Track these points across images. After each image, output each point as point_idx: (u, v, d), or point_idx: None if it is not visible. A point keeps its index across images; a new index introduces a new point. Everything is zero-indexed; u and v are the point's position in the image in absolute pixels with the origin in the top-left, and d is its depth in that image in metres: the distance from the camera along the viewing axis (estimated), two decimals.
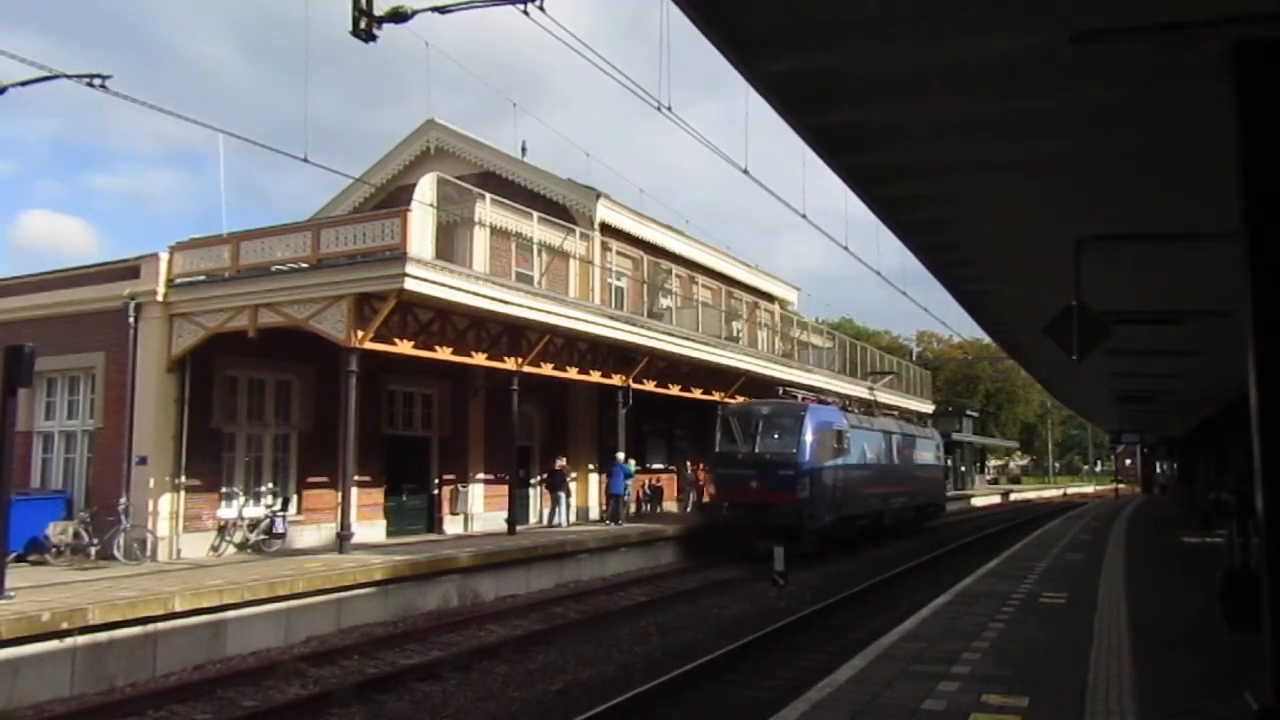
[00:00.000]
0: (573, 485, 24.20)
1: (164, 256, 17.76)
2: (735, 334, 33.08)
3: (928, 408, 50.75)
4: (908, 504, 29.67)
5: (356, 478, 17.31)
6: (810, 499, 21.49)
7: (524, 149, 27.85)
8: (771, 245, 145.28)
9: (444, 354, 18.27)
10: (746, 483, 21.95)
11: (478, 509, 22.74)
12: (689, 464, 30.51)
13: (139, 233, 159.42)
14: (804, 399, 24.16)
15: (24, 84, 12.21)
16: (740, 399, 27.50)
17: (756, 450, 22.42)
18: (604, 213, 26.54)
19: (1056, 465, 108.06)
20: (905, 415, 35.16)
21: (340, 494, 17.12)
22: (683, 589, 17.43)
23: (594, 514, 25.81)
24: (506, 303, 18.23)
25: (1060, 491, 77.64)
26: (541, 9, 9.04)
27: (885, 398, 40.38)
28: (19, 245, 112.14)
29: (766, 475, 21.84)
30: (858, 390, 35.14)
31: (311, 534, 18.66)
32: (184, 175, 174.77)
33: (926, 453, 32.60)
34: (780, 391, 24.89)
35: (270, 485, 18.72)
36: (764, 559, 18.03)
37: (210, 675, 10.81)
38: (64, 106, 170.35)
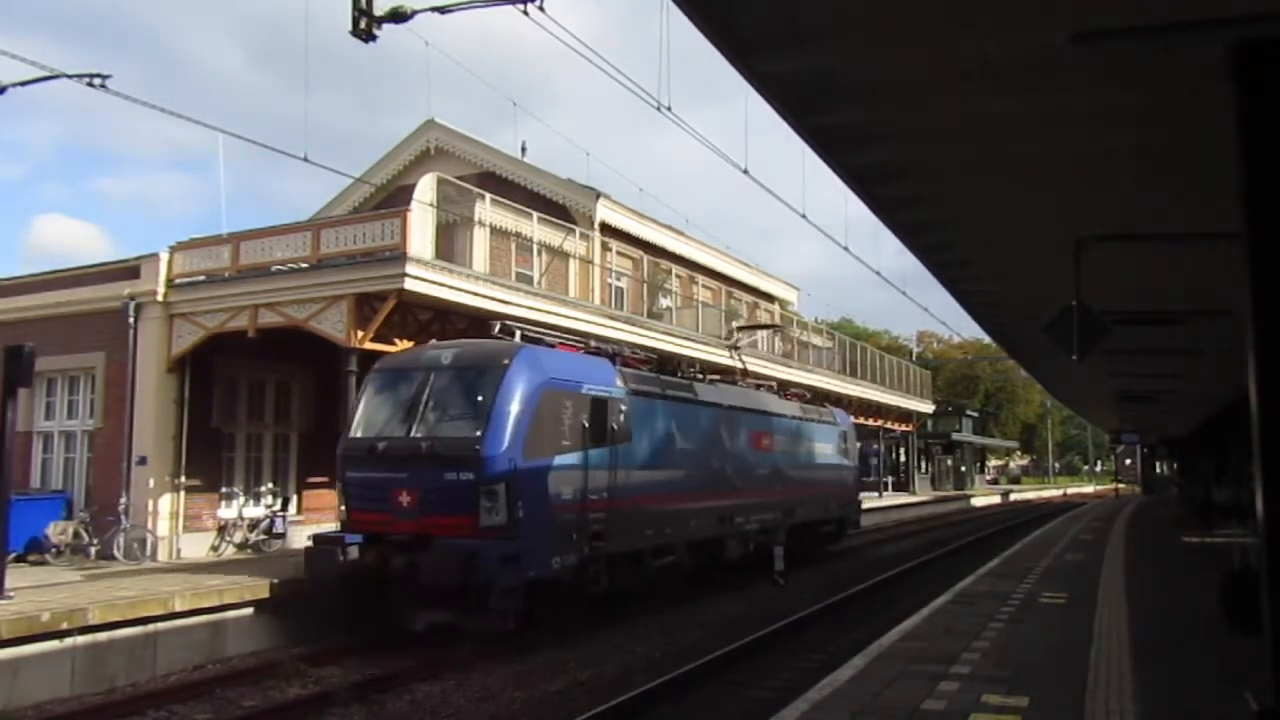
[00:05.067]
0: None
1: (164, 257, 17.77)
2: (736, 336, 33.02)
3: (928, 408, 50.79)
4: (781, 521, 19.04)
5: None
6: (514, 527, 11.33)
7: (524, 149, 27.86)
8: (771, 246, 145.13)
9: None
10: (390, 495, 11.87)
11: None
12: None
13: (146, 235, 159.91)
14: (528, 340, 13.32)
15: (24, 84, 12.22)
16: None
17: (412, 434, 12.01)
18: (604, 213, 26.52)
19: (1056, 465, 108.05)
20: (804, 396, 23.55)
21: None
22: None
23: None
24: (506, 303, 18.23)
25: (1060, 492, 77.66)
26: (541, 9, 9.04)
27: (770, 367, 29.16)
28: (33, 249, 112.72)
29: (425, 481, 11.70)
30: (709, 353, 24.34)
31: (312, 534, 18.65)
32: (190, 178, 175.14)
33: (823, 445, 22.31)
34: (496, 328, 13.35)
35: (270, 485, 18.74)
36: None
37: (211, 675, 10.80)
38: (69, 110, 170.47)
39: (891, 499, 45.29)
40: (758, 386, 20.42)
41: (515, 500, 11.36)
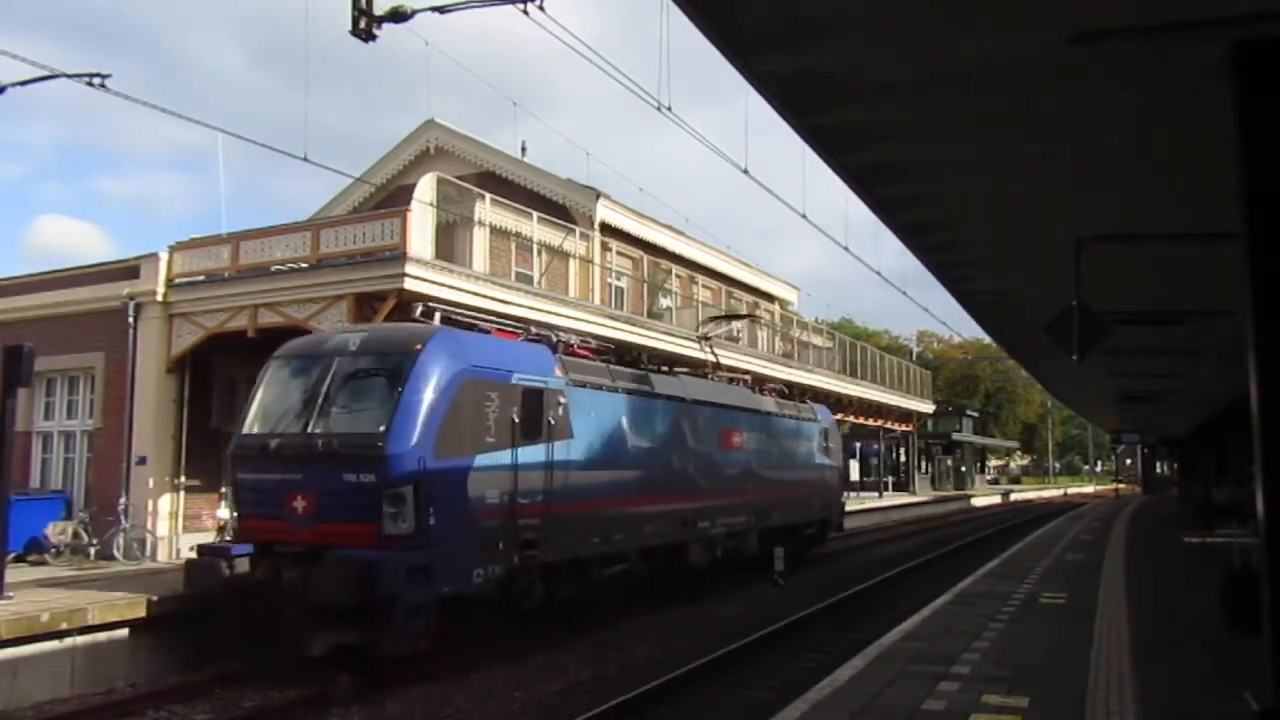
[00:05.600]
0: None
1: (163, 256, 17.78)
2: (735, 334, 33.05)
3: (928, 408, 50.78)
4: (753, 524, 17.62)
5: None
6: (425, 535, 9.98)
7: (524, 149, 27.86)
8: (772, 246, 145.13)
9: None
10: (284, 501, 10.45)
11: None
12: None
13: (146, 235, 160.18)
14: (452, 323, 12.08)
15: (24, 83, 12.23)
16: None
17: (309, 430, 10.57)
18: (604, 213, 26.52)
19: (1056, 465, 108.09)
20: (782, 391, 21.45)
21: None
22: None
23: None
24: (506, 303, 18.22)
25: (1060, 492, 77.68)
26: (541, 8, 9.05)
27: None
28: (33, 249, 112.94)
29: (322, 484, 10.30)
30: (681, 346, 23.02)
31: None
32: (190, 178, 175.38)
33: (802, 443, 20.69)
34: (418, 310, 11.99)
35: None
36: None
37: (211, 674, 10.78)
38: (69, 111, 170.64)
39: (891, 499, 45.31)
40: (732, 381, 19.01)
41: (426, 505, 9.94)
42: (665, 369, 16.36)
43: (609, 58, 10.54)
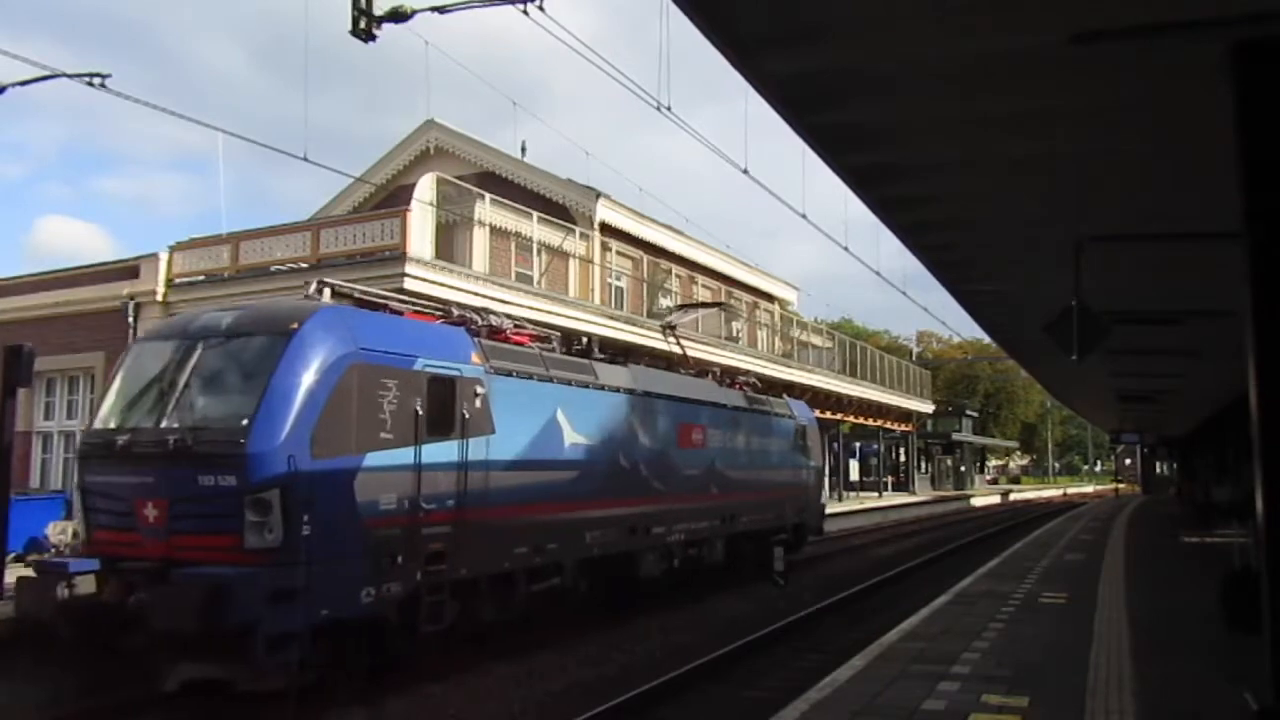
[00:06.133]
0: None
1: (164, 257, 17.79)
2: (735, 334, 33.07)
3: (928, 408, 50.81)
4: (718, 530, 16.10)
5: None
6: (296, 550, 8.36)
7: (524, 149, 27.87)
8: (771, 247, 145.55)
9: None
10: (135, 507, 8.84)
11: None
12: None
13: (147, 235, 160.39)
14: (345, 300, 10.85)
15: (24, 83, 12.23)
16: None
17: (164, 424, 8.99)
18: (604, 213, 26.53)
19: (1056, 465, 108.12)
20: (754, 385, 19.73)
21: None
22: None
23: None
24: (506, 303, 18.22)
25: (1060, 491, 77.67)
26: (541, 9, 9.06)
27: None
28: (34, 249, 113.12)
29: (175, 488, 8.70)
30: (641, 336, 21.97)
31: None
32: (191, 178, 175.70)
33: (776, 441, 18.96)
34: (312, 288, 10.48)
35: None
36: None
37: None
38: (70, 111, 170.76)
39: (891, 499, 45.35)
40: (702, 374, 17.62)
41: (299, 512, 8.31)
42: (622, 359, 14.60)
43: (609, 58, 10.56)
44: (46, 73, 12.04)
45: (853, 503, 40.48)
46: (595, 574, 12.74)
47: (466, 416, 10.24)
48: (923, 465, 61.97)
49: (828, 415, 37.76)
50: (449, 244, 21.30)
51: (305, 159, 12.61)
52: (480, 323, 11.50)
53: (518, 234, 22.42)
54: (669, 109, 10.67)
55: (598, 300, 24.91)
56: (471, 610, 10.51)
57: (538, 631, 11.82)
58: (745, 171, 12.83)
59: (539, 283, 22.36)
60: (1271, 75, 5.09)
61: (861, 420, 42.73)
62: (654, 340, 23.43)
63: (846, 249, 16.84)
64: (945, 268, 11.59)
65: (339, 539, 8.76)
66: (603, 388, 13.00)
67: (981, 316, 15.56)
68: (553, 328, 17.82)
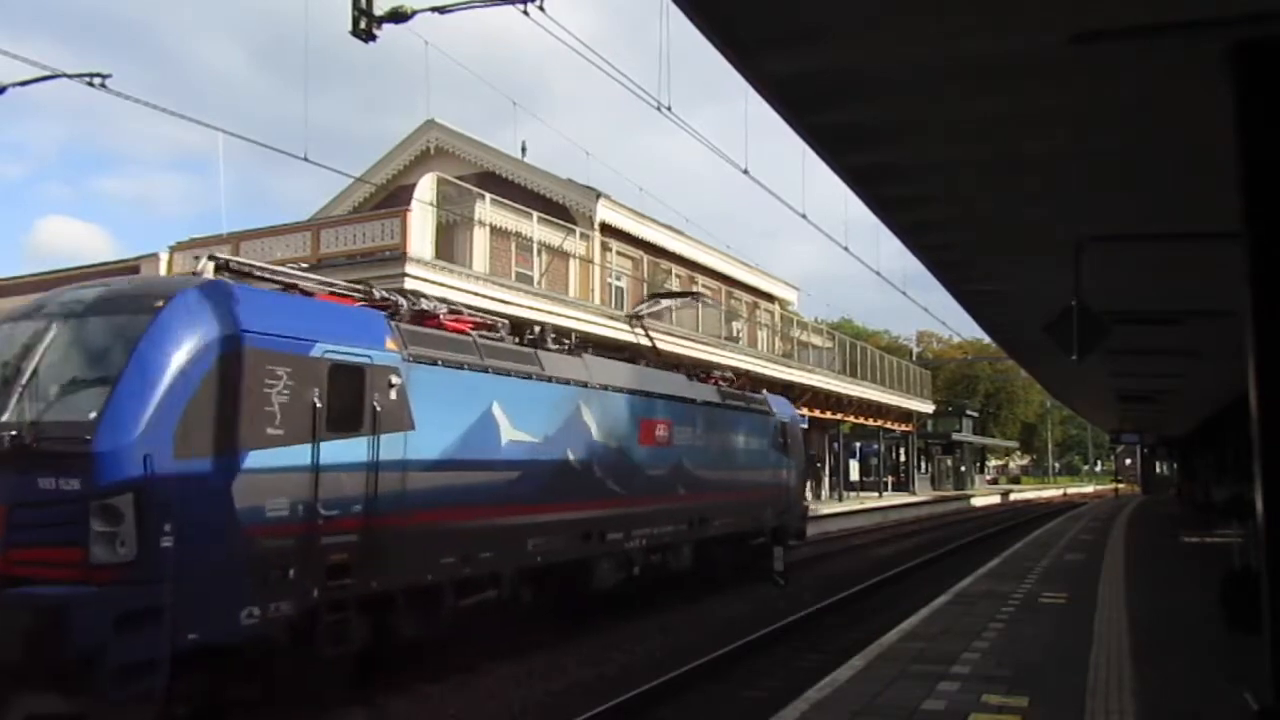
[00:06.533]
0: None
1: (164, 257, 17.83)
2: (735, 334, 33.08)
3: (928, 408, 50.82)
4: (686, 534, 15.05)
5: None
6: (155, 565, 7.12)
7: (524, 149, 27.89)
8: (771, 247, 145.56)
9: None
10: None
11: None
12: None
13: (147, 236, 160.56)
14: (233, 274, 9.19)
15: (24, 83, 12.22)
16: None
17: (4, 417, 7.60)
18: (604, 213, 26.55)
19: (1056, 465, 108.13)
20: (731, 379, 18.77)
21: None
22: None
23: None
24: (506, 303, 18.24)
25: (1060, 491, 77.68)
26: (541, 9, 9.06)
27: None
28: (35, 249, 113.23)
29: (12, 493, 7.40)
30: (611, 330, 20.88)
31: None
32: (191, 178, 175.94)
33: (753, 439, 17.77)
34: (200, 263, 9.14)
35: None
36: None
37: None
38: (70, 111, 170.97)
39: (891, 499, 45.36)
40: (674, 368, 16.53)
41: (157, 521, 7.18)
42: (575, 346, 13.32)
43: (609, 58, 10.57)
44: (47, 73, 12.04)
45: (853, 503, 40.49)
46: (540, 584, 11.63)
47: (378, 410, 9.05)
48: (923, 465, 61.99)
49: (828, 415, 37.78)
50: (449, 244, 21.31)
51: (305, 159, 12.63)
52: (404, 306, 10.31)
53: (518, 234, 22.43)
54: (669, 109, 10.68)
55: (598, 300, 24.91)
56: (388, 628, 9.35)
57: (537, 632, 11.83)
58: (745, 171, 12.85)
59: (539, 283, 22.36)
60: (1271, 75, 5.10)
61: (861, 420, 42.75)
62: (655, 340, 23.40)
63: (846, 249, 16.86)
64: (945, 268, 11.59)
65: (211, 551, 7.54)
66: (550, 379, 11.81)
67: (981, 316, 15.56)
68: (552, 328, 17.79)
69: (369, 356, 9.08)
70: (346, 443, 8.74)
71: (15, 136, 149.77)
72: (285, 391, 8.19)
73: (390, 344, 9.47)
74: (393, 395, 9.27)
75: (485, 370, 10.70)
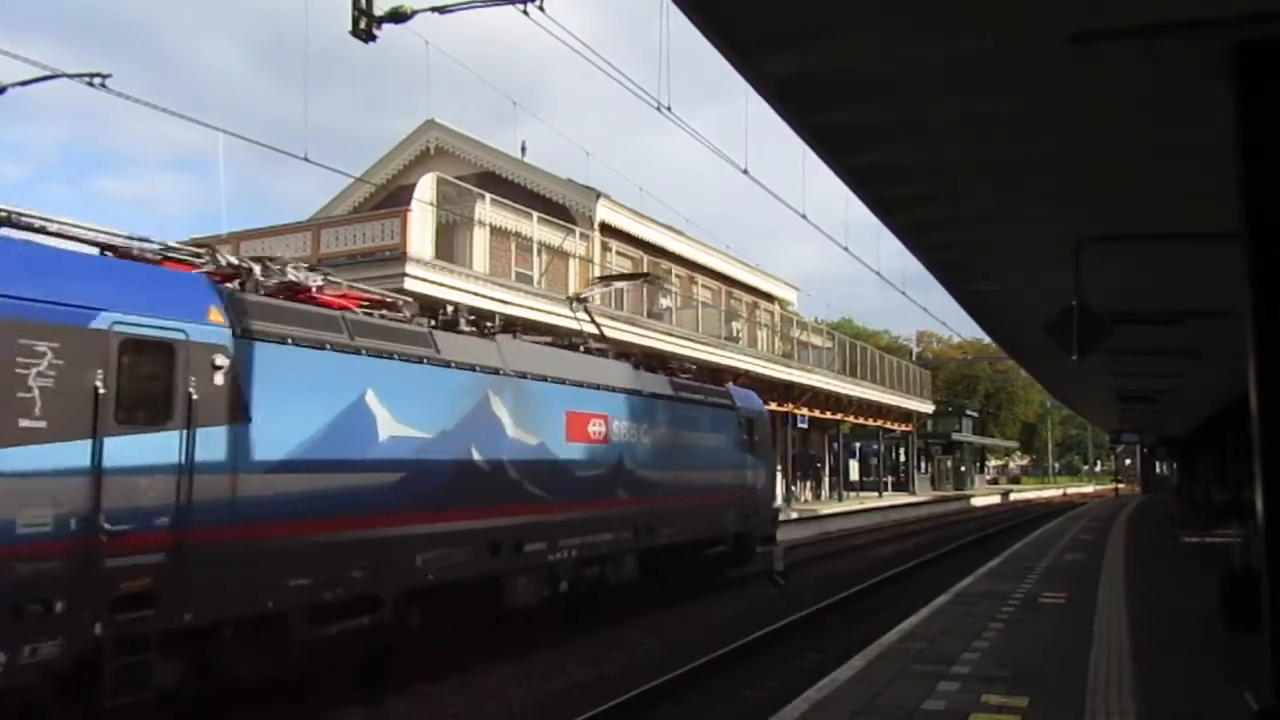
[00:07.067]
0: None
1: None
2: (735, 334, 33.09)
3: (928, 408, 50.84)
4: (629, 544, 13.35)
5: None
6: None
7: (524, 149, 27.91)
8: (771, 247, 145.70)
9: None
10: None
11: None
12: None
13: (149, 235, 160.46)
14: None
15: (24, 83, 12.24)
16: None
17: None
18: (604, 213, 26.56)
19: (1056, 465, 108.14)
20: (688, 370, 17.21)
21: None
22: None
23: None
24: (506, 303, 18.24)
25: (1060, 491, 77.68)
26: (541, 9, 9.07)
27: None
28: None
29: None
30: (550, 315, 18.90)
31: None
32: (192, 179, 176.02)
33: (711, 436, 16.07)
34: None
35: None
36: None
37: None
38: (71, 112, 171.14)
39: (891, 499, 45.37)
40: (620, 356, 14.70)
41: None
42: (487, 328, 11.56)
43: (609, 58, 10.57)
44: (47, 73, 12.05)
45: (853, 503, 40.49)
46: (435, 606, 9.99)
47: (195, 397, 7.41)
48: (923, 465, 61.99)
49: (828, 415, 37.80)
50: (449, 244, 21.31)
51: (306, 159, 12.63)
52: (256, 273, 8.66)
53: (518, 234, 22.43)
54: (669, 109, 10.69)
55: (598, 300, 24.92)
56: (215, 667, 7.68)
57: (537, 631, 11.83)
58: (745, 172, 12.86)
59: (539, 283, 22.36)
60: (1271, 75, 5.10)
61: (861, 420, 42.75)
62: (655, 340, 23.44)
63: (846, 249, 16.88)
64: (945, 268, 11.59)
65: None
66: (448, 364, 10.10)
67: (981, 316, 15.56)
68: (552, 328, 17.62)
69: (182, 331, 7.43)
70: (146, 439, 7.11)
71: (16, 137, 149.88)
72: (50, 373, 6.56)
73: (215, 316, 7.77)
74: (218, 380, 7.63)
75: (357, 352, 8.96)
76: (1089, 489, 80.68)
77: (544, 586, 11.63)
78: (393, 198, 24.36)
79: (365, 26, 9.70)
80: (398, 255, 15.97)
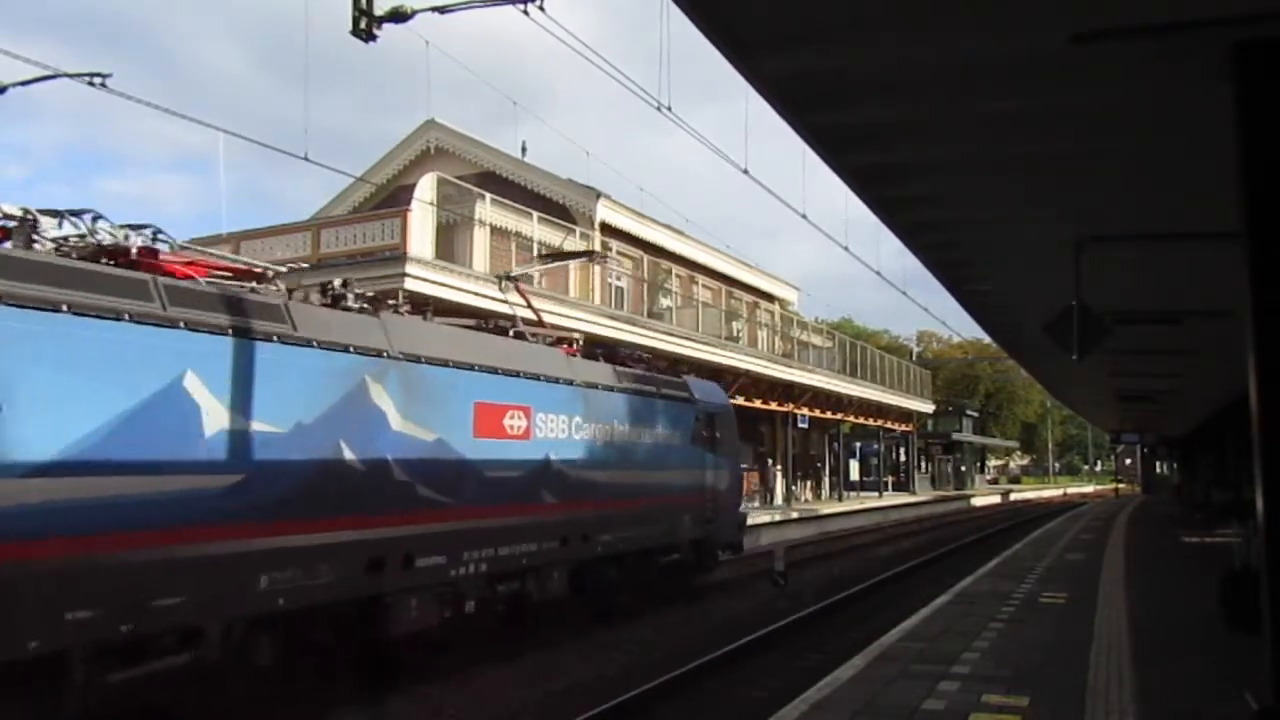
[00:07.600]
0: None
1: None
2: (736, 334, 33.09)
3: (928, 407, 50.83)
4: (556, 555, 11.69)
5: None
6: None
7: (524, 149, 27.91)
8: (772, 247, 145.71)
9: None
10: None
11: None
12: None
13: None
14: None
15: (25, 83, 12.23)
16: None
17: None
18: (604, 213, 26.56)
19: (1056, 465, 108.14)
20: (642, 358, 15.70)
21: None
22: None
23: None
24: (506, 303, 18.21)
25: (1060, 491, 77.68)
26: (541, 9, 9.07)
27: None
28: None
29: None
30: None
31: None
32: (192, 179, 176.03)
33: (663, 432, 14.34)
34: None
35: None
36: None
37: None
38: (72, 112, 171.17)
39: (891, 499, 45.37)
40: (556, 342, 13.18)
41: None
42: (363, 304, 9.60)
43: (609, 58, 10.57)
44: (47, 73, 12.05)
45: (853, 503, 40.50)
46: (295, 635, 8.24)
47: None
48: (923, 465, 61.97)
49: (828, 415, 37.80)
50: (449, 244, 21.31)
51: (306, 159, 12.64)
52: (39, 224, 7.25)
53: (518, 234, 22.43)
54: (669, 109, 10.69)
55: (598, 300, 24.92)
56: None
57: (537, 632, 11.83)
58: (745, 171, 12.85)
59: (539, 283, 22.37)
60: (1271, 75, 5.10)
61: (861, 420, 42.76)
62: (656, 340, 23.44)
63: (846, 249, 16.86)
64: (945, 268, 11.58)
65: None
66: (308, 343, 8.28)
67: (981, 317, 15.56)
68: (553, 328, 17.50)
69: None
70: None
71: (17, 137, 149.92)
72: None
73: None
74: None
75: (174, 325, 7.17)
76: (1089, 489, 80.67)
77: (444, 607, 9.89)
78: (393, 198, 24.36)
79: (365, 26, 9.69)
80: (398, 255, 15.97)
